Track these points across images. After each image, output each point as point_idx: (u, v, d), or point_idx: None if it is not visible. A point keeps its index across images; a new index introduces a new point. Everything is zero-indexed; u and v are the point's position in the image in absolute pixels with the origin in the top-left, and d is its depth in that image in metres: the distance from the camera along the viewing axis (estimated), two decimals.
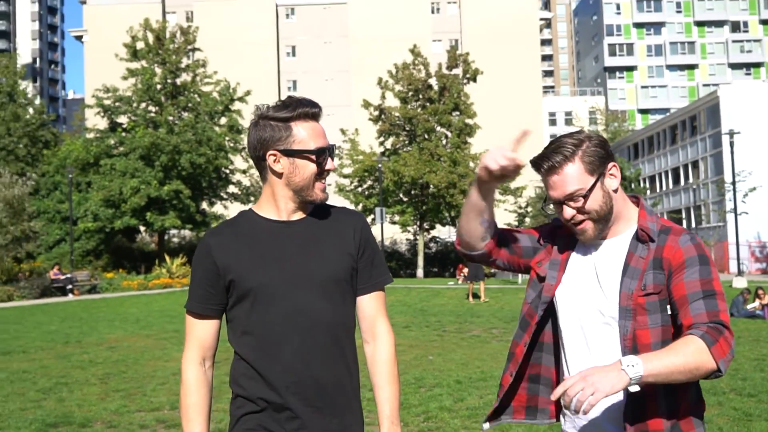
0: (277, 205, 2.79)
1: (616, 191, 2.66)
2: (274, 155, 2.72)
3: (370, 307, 2.89)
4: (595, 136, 2.69)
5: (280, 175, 2.74)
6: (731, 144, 40.93)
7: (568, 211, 2.64)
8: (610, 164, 2.65)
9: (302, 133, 2.72)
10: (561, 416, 2.87)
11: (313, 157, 2.72)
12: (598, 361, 2.59)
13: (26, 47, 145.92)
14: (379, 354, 2.87)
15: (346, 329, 2.80)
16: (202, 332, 2.78)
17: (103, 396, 10.43)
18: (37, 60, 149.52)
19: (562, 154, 2.62)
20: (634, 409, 2.55)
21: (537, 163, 2.68)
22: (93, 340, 17.58)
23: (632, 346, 2.55)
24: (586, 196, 2.61)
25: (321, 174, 2.76)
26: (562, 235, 2.84)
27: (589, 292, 2.68)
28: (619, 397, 2.57)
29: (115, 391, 10.81)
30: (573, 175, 2.61)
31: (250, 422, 2.70)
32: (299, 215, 2.80)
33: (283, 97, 3.10)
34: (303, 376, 2.68)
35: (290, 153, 2.72)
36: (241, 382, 2.74)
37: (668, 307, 2.57)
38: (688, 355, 2.37)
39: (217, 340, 2.82)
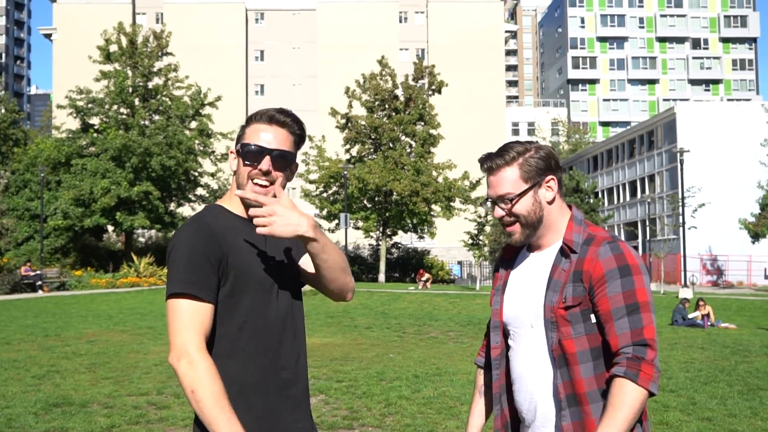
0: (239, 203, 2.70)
1: (550, 203, 2.72)
2: (233, 153, 2.70)
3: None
4: (544, 148, 2.76)
5: (234, 173, 2.68)
6: (680, 162, 42.36)
7: (498, 211, 2.76)
8: (549, 177, 2.72)
9: (249, 134, 2.65)
10: None
11: (241, 154, 2.65)
12: (529, 371, 2.74)
13: None
14: None
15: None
16: (205, 318, 2.49)
17: (94, 382, 11.36)
18: (3, 55, 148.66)
19: (504, 158, 2.72)
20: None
21: (481, 162, 2.78)
22: (71, 335, 18.31)
23: (559, 355, 2.63)
24: (514, 200, 2.70)
25: (251, 175, 2.64)
26: (503, 259, 2.96)
27: (522, 306, 2.75)
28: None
29: (104, 378, 11.73)
30: (507, 179, 2.71)
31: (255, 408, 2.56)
32: None
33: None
34: (295, 372, 2.65)
35: (237, 151, 2.67)
36: (235, 377, 2.54)
37: (592, 316, 2.61)
38: (629, 402, 2.47)
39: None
